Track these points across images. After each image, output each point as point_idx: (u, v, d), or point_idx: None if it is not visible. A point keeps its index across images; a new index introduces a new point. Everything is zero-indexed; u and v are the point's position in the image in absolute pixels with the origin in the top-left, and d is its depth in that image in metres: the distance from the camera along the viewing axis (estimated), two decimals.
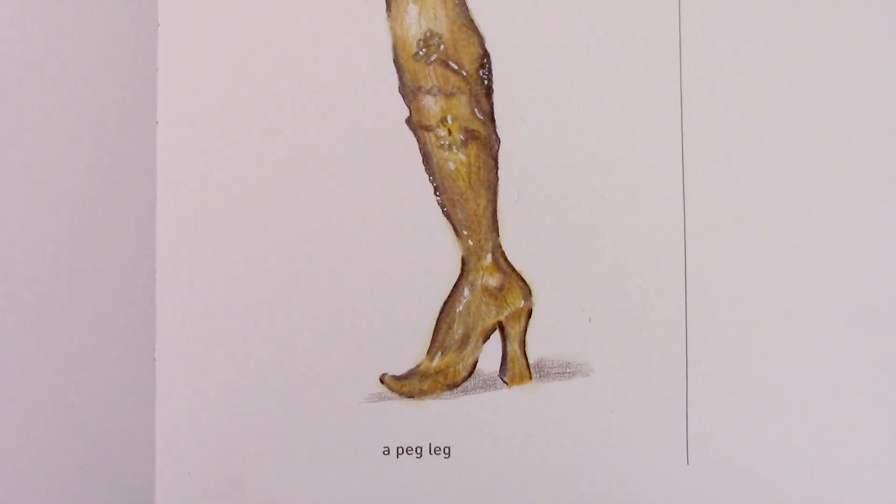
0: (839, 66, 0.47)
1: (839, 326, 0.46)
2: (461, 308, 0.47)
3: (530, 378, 0.47)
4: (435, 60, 0.48)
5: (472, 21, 0.48)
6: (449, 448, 0.47)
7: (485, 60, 0.48)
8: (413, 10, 0.48)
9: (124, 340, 0.46)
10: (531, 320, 0.47)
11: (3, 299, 0.45)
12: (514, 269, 0.47)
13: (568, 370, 0.47)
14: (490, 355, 0.47)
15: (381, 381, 0.47)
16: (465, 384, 0.47)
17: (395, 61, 0.48)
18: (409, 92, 0.48)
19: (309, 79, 0.47)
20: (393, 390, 0.47)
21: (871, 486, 0.46)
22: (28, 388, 0.45)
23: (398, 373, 0.47)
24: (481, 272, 0.48)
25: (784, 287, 0.46)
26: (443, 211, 0.48)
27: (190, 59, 0.47)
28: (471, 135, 0.48)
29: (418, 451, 0.47)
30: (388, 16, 0.48)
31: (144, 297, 0.46)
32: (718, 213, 0.47)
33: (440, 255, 0.47)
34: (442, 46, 0.48)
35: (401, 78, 0.48)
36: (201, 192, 0.47)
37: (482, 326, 0.48)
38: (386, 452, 0.47)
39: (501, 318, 0.48)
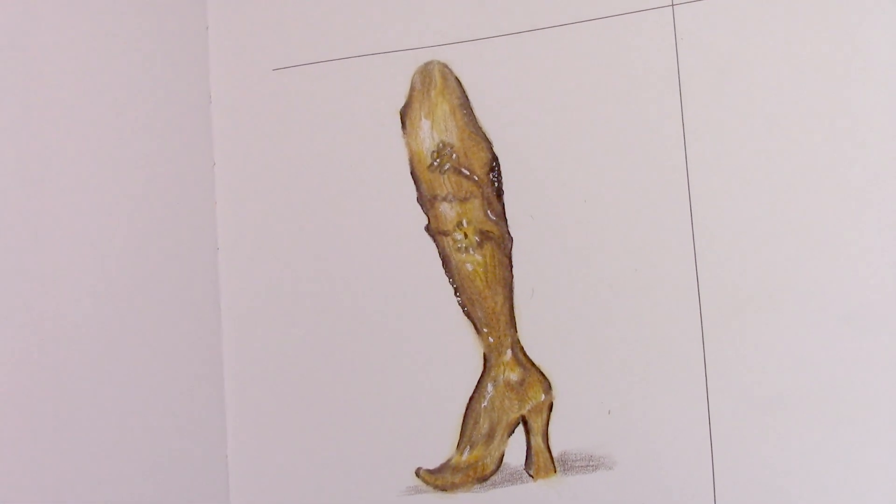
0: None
1: (876, 398, 0.42)
2: (486, 403, 0.49)
3: (555, 471, 0.48)
4: (448, 169, 0.51)
5: (479, 128, 0.51)
6: None
7: (494, 164, 0.50)
8: (426, 124, 0.51)
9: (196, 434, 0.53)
10: (552, 413, 0.48)
11: (73, 330, 0.51)
12: (533, 364, 0.49)
13: (591, 463, 0.47)
14: (516, 449, 0.49)
15: (417, 474, 0.50)
16: (493, 478, 0.49)
17: (412, 174, 0.51)
18: (426, 201, 0.51)
19: (334, 198, 0.52)
20: (428, 483, 0.50)
21: None
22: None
23: (432, 466, 0.50)
24: (502, 368, 0.49)
25: (806, 367, 0.43)
26: (463, 311, 0.50)
27: (245, 189, 0.54)
28: (485, 236, 0.50)
29: None
30: (404, 132, 0.52)
31: (216, 415, 0.53)
32: (733, 296, 0.45)
33: (464, 353, 0.50)
34: (454, 155, 0.51)
35: (418, 188, 0.51)
36: (263, 316, 0.53)
37: (506, 420, 0.49)
38: None
39: (524, 412, 0.49)
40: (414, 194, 0.51)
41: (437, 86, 0.51)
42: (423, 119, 0.52)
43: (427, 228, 0.51)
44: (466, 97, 0.51)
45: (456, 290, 0.50)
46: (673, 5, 0.47)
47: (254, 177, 0.54)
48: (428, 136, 0.51)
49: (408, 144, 0.52)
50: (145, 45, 0.54)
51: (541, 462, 0.48)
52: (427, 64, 0.52)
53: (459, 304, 0.50)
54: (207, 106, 0.55)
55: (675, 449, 0.45)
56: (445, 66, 0.51)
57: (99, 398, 0.49)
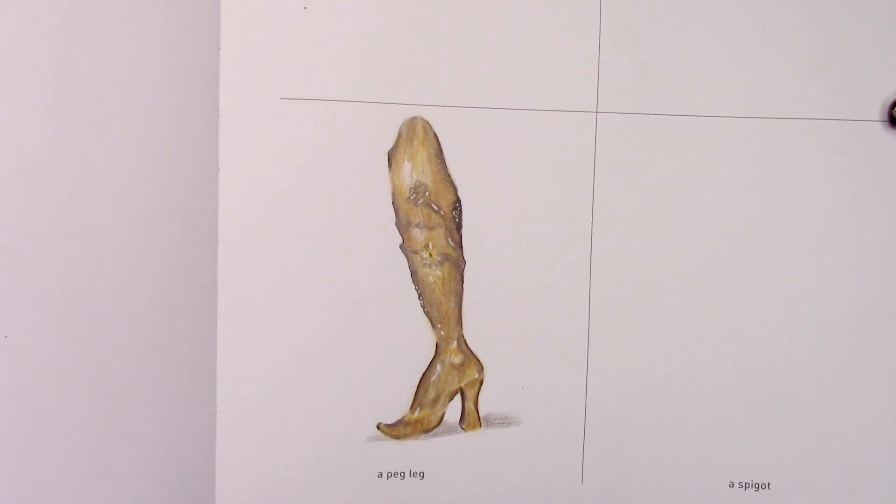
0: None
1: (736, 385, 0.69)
2: (434, 378, 0.68)
3: (480, 426, 0.68)
4: (422, 203, 0.67)
5: (449, 175, 0.67)
6: (423, 472, 0.68)
7: (457, 204, 0.67)
8: (408, 166, 0.67)
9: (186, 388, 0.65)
10: (482, 387, 0.68)
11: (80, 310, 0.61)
12: (472, 352, 0.68)
13: (506, 421, 0.68)
14: (453, 410, 0.68)
15: (378, 427, 0.67)
16: (435, 430, 0.68)
17: (393, 203, 0.67)
18: (402, 225, 0.67)
19: (327, 214, 0.65)
20: (386, 434, 0.67)
21: None
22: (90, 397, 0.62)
23: (390, 422, 0.68)
24: (449, 353, 0.68)
25: (667, 364, 0.69)
26: (424, 310, 0.67)
27: (247, 194, 0.65)
28: (445, 257, 0.67)
29: (402, 474, 0.68)
30: (390, 170, 0.66)
31: (206, 370, 0.65)
32: (619, 310, 0.68)
33: (421, 340, 0.67)
34: (427, 193, 0.67)
35: (397, 215, 0.67)
36: (258, 305, 0.65)
37: (448, 390, 0.68)
38: (380, 476, 0.68)
39: (462, 385, 0.68)
40: (393, 219, 0.67)
41: (419, 136, 0.66)
42: (405, 161, 0.67)
43: (401, 247, 0.67)
44: (441, 149, 0.67)
45: (419, 295, 0.67)
46: (597, 112, 0.67)
47: (255, 185, 0.65)
48: (408, 175, 0.67)
49: (391, 180, 0.67)
50: (159, 62, 0.61)
51: (471, 420, 0.68)
52: (413, 118, 0.66)
53: (421, 305, 0.67)
54: (216, 119, 0.64)
55: (559, 414, 0.68)
56: (427, 122, 0.66)
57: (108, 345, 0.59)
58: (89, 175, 0.59)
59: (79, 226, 0.58)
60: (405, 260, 0.67)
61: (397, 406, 0.67)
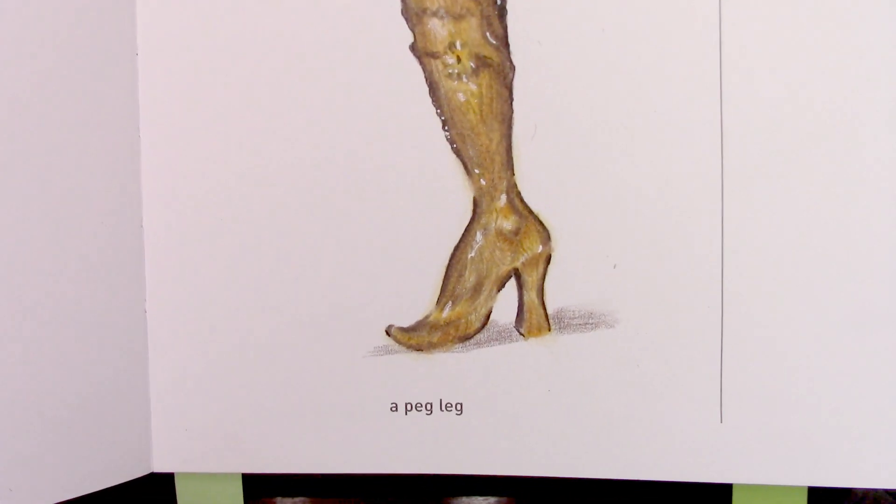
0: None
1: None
2: (473, 254, 0.43)
3: (549, 329, 0.43)
4: None
5: None
6: (461, 405, 0.44)
7: None
8: None
9: (113, 286, 0.43)
10: (550, 267, 0.43)
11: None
12: (531, 211, 0.43)
13: (591, 321, 0.43)
14: (505, 305, 0.43)
15: (388, 333, 0.44)
16: (477, 336, 0.44)
17: None
18: (412, 14, 0.43)
19: (308, 7, 0.42)
20: (400, 343, 0.44)
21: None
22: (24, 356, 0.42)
23: (406, 324, 0.44)
24: (495, 214, 0.43)
25: (828, 234, 0.41)
26: (452, 147, 0.43)
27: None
28: (482, 62, 0.43)
29: (428, 407, 0.44)
30: None
31: (133, 238, 0.43)
32: (759, 145, 0.41)
33: (450, 195, 0.43)
34: None
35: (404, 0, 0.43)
36: (198, 135, 0.43)
37: (496, 274, 0.44)
38: (394, 409, 0.44)
39: (517, 264, 0.44)
40: (397, 5, 0.43)
41: None
42: None
43: (412, 48, 0.43)
44: None
45: (444, 123, 0.43)
46: None
47: None
48: None
49: None
50: None
51: (533, 319, 0.43)
52: None
53: (448, 139, 0.43)
54: None
55: (682, 308, 0.42)
56: None
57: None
58: None
59: None
60: (419, 68, 0.43)
61: (417, 300, 0.43)
